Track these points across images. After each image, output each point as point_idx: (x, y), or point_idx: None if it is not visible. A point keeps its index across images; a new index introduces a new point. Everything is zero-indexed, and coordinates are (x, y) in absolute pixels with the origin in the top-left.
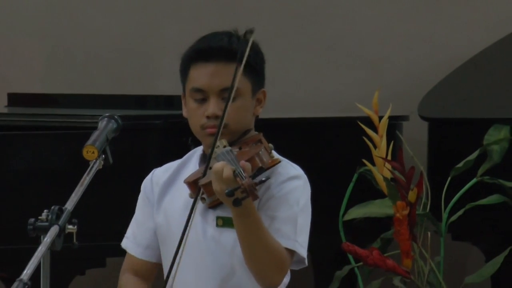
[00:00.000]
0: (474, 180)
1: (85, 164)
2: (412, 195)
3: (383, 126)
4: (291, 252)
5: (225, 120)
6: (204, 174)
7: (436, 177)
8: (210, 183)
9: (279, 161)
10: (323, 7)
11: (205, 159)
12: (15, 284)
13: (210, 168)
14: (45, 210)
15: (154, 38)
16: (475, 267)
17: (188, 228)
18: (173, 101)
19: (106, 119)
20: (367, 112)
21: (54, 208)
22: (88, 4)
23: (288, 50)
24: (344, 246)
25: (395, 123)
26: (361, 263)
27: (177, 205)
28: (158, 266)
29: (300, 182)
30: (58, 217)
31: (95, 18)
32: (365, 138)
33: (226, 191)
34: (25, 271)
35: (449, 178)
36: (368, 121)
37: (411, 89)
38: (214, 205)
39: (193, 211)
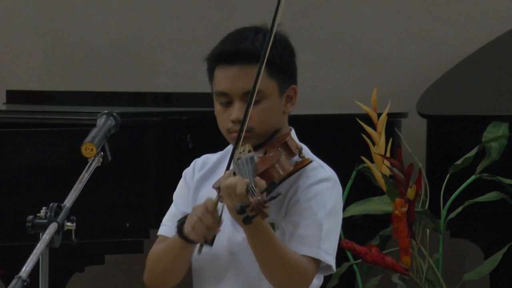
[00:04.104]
0: (472, 177)
1: (83, 161)
2: (410, 192)
3: (381, 123)
4: (316, 260)
5: (250, 124)
6: None
7: (435, 174)
8: None
9: (309, 162)
10: (321, 4)
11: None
12: (14, 281)
13: (234, 174)
14: (43, 207)
15: (152, 35)
16: (473, 264)
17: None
18: (171, 98)
19: (104, 116)
20: (366, 109)
21: (53, 205)
22: (86, 2)
23: None
24: (343, 243)
25: (393, 120)
26: (359, 260)
27: None
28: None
29: (328, 185)
30: (56, 214)
31: (93, 15)
32: (363, 135)
33: (237, 208)
34: (23, 268)
35: (447, 175)
36: (366, 118)
37: (409, 86)
38: None
39: (221, 217)
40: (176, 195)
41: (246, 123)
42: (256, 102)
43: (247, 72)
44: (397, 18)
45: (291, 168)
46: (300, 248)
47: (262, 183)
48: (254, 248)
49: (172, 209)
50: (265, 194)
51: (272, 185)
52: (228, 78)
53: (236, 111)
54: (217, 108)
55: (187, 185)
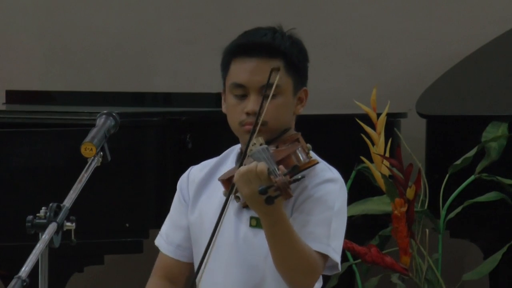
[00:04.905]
0: (472, 177)
1: (83, 161)
2: (410, 192)
3: (381, 123)
4: (324, 257)
5: (264, 118)
6: None
7: (434, 174)
8: None
9: (317, 162)
10: (320, 5)
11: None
12: (14, 281)
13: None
14: (43, 208)
15: (151, 35)
16: (473, 264)
17: (218, 227)
18: (171, 98)
19: (104, 116)
20: (365, 109)
21: (52, 205)
22: (85, 2)
23: None
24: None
25: (393, 120)
26: (359, 260)
27: (212, 204)
28: (190, 267)
29: (336, 186)
30: (56, 214)
31: (92, 15)
32: (363, 135)
33: (259, 188)
34: (23, 268)
35: (447, 175)
36: (366, 118)
37: (409, 86)
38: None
39: (225, 210)
40: (172, 206)
41: (263, 115)
42: (272, 97)
43: (266, 65)
44: (397, 18)
45: (307, 162)
46: (310, 244)
47: (283, 167)
48: (271, 239)
49: (167, 221)
50: (288, 176)
51: (295, 168)
52: (246, 70)
53: (252, 103)
54: (231, 100)
55: (180, 197)
